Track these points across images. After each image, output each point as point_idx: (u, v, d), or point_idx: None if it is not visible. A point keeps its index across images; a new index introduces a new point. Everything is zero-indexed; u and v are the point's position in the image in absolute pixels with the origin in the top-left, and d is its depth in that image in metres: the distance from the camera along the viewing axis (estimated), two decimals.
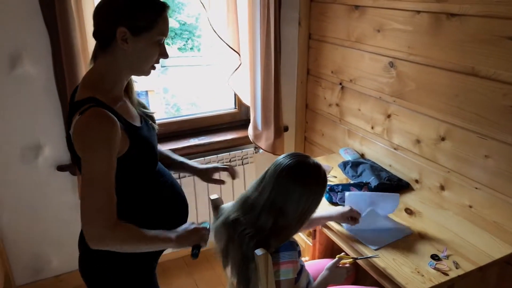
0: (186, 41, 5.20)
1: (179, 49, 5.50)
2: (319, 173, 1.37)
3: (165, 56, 1.25)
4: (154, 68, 1.26)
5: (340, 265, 1.51)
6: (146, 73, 1.26)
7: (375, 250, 1.55)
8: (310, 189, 1.34)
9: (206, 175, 1.63)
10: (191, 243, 1.30)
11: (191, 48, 5.18)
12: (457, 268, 1.45)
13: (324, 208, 1.81)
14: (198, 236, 1.31)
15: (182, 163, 1.63)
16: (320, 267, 1.81)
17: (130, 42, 1.16)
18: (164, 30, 1.21)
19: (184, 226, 1.31)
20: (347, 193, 1.69)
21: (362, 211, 1.65)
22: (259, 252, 1.25)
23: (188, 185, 2.41)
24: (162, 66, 5.65)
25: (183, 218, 1.46)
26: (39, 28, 1.90)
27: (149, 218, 1.31)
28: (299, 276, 1.49)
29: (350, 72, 2.25)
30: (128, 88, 1.34)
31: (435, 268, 1.44)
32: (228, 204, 1.47)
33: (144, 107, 1.41)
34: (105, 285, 1.33)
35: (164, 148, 2.43)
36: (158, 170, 1.38)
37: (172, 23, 4.86)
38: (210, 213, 2.15)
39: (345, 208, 1.66)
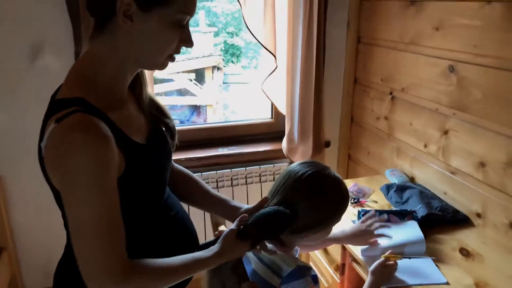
0: (251, 60, 5.15)
1: (243, 67, 5.46)
2: (338, 189, 1.10)
3: (189, 43, 0.88)
4: (172, 59, 0.90)
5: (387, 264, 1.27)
6: (160, 66, 0.90)
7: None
8: (322, 206, 1.08)
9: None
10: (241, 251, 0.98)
11: (255, 67, 5.12)
12: None
13: None
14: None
15: (221, 200, 1.18)
16: None
17: (137, 19, 0.81)
18: (188, 5, 0.85)
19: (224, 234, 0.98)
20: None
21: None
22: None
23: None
24: (224, 83, 5.63)
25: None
26: (62, 18, 1.80)
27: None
28: None
29: (402, 80, 1.91)
30: (137, 84, 0.98)
31: None
32: None
33: (161, 111, 1.03)
34: None
35: (187, 156, 2.28)
36: (165, 201, 1.02)
37: (238, 41, 4.81)
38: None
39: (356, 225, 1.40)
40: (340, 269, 1.58)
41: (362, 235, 1.36)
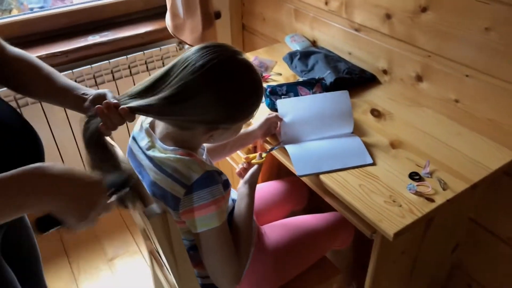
0: None
1: None
2: (249, 78, 0.90)
3: None
4: None
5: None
6: None
7: (300, 176, 1.13)
8: (230, 100, 0.87)
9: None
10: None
11: None
12: (444, 189, 1.05)
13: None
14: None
15: (64, 89, 0.93)
16: (263, 193, 1.41)
17: None
18: None
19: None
20: (278, 101, 1.22)
21: (302, 126, 1.22)
22: (153, 211, 0.77)
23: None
24: None
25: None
26: None
27: None
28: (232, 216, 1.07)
29: None
30: None
31: (416, 193, 1.04)
32: None
33: None
34: None
35: (48, 51, 1.81)
36: None
37: None
38: None
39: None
40: (252, 152, 1.46)
41: (268, 126, 1.24)
